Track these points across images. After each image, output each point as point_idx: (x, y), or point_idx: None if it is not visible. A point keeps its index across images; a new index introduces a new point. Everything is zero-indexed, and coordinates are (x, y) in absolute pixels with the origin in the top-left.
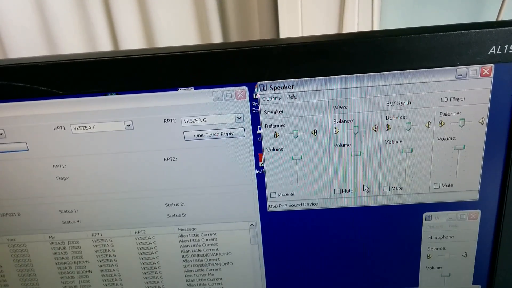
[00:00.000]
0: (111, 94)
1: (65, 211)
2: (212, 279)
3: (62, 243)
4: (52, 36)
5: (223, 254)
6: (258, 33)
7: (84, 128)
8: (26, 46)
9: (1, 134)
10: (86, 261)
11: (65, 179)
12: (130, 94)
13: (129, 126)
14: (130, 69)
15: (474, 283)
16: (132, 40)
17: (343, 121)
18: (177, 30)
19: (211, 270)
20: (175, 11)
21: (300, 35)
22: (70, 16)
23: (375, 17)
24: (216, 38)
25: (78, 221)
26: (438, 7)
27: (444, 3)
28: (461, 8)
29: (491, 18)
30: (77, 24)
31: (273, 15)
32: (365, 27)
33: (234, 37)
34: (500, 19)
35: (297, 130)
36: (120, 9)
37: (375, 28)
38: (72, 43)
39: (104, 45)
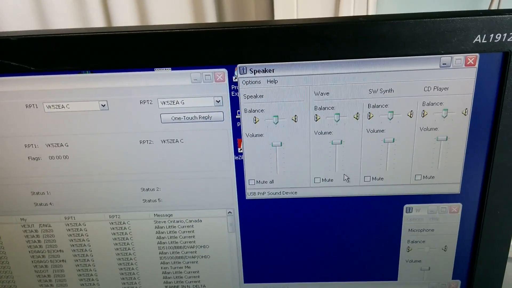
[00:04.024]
0: (86, 72)
1: (37, 193)
2: (189, 272)
3: (34, 226)
4: (46, 21)
5: (200, 246)
6: (254, 17)
7: (57, 107)
8: (19, 29)
9: None
10: (59, 246)
11: (37, 160)
12: (105, 73)
13: (104, 106)
14: (106, 46)
15: (454, 277)
16: (126, 21)
17: (324, 108)
18: (172, 13)
19: (187, 263)
20: None
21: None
22: (65, 3)
23: (371, 3)
24: (211, 20)
25: (50, 203)
26: None
27: None
28: None
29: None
30: (71, 7)
31: (269, 1)
32: (361, 13)
33: (229, 20)
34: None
35: (277, 116)
36: None
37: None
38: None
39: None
